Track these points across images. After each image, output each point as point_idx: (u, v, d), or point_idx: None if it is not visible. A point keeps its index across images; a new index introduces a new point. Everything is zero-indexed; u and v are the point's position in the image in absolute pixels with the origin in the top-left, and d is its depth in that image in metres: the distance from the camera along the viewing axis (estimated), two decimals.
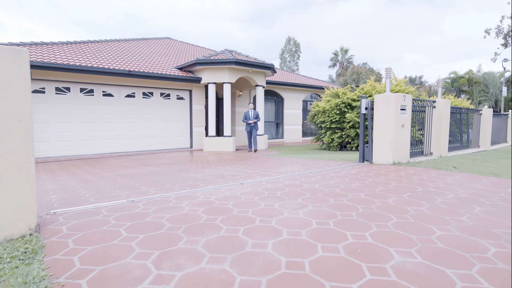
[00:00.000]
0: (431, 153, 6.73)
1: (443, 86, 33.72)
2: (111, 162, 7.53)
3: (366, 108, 5.62)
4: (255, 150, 10.10)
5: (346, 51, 41.03)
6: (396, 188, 3.37)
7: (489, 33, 27.53)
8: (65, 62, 8.93)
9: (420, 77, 41.56)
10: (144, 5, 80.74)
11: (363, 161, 5.77)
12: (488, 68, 54.43)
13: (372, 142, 5.61)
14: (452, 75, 33.25)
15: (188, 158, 8.01)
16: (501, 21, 25.98)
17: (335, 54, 41.28)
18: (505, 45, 26.83)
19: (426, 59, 67.31)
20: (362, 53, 63.93)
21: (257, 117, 10.18)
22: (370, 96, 9.95)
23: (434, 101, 6.69)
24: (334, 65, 41.88)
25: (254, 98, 13.53)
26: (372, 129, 5.61)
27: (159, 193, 3.31)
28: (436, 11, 70.36)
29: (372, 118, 5.60)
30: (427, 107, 6.58)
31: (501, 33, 26.54)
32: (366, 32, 68.70)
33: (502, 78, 29.46)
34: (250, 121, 10.03)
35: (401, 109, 5.37)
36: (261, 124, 11.81)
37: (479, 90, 30.30)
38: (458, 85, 31.70)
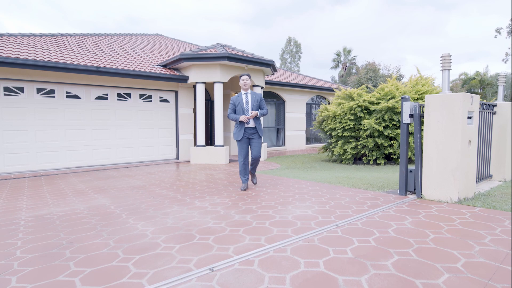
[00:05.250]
0: (490, 176, 4.92)
1: (454, 87, 31.94)
2: (64, 183, 5.72)
3: (411, 116, 3.81)
4: (254, 179, 5.13)
5: (349, 51, 39.26)
6: None
7: (500, 33, 26.05)
8: (14, 56, 7.13)
9: (425, 79, 39.75)
10: (145, 6, 79.13)
11: (406, 193, 3.95)
12: (494, 69, 52.60)
13: (421, 165, 3.79)
14: (462, 77, 31.47)
15: (164, 178, 6.19)
16: None
17: (337, 54, 39.50)
18: None
19: (429, 61, 65.52)
20: (363, 55, 62.00)
21: (260, 106, 4.84)
22: (392, 98, 8.17)
23: (494, 105, 4.88)
24: (337, 66, 40.10)
25: None
26: (420, 146, 3.80)
27: None
28: (439, 13, 68.72)
29: (421, 130, 3.79)
30: (481, 113, 4.76)
31: None
32: (366, 34, 66.95)
33: None
34: (245, 117, 4.58)
35: (468, 117, 3.57)
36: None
37: (492, 92, 28.51)
38: (470, 86, 29.91)
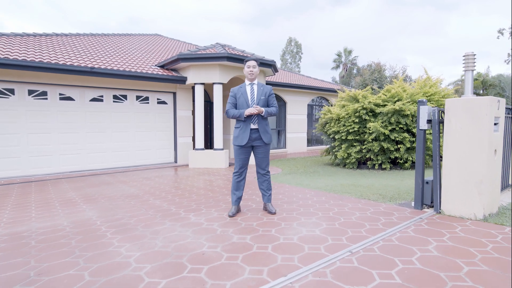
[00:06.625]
0: (509, 186, 4.55)
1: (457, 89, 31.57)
2: (54, 190, 5.38)
3: (429, 121, 3.45)
4: (269, 208, 3.67)
5: (350, 52, 38.85)
6: None
7: (502, 33, 25.67)
8: (2, 56, 6.79)
9: (431, 79, 39.26)
10: (145, 6, 78.98)
11: (422, 207, 3.59)
12: (495, 70, 52.21)
13: (439, 176, 3.43)
14: (464, 77, 31.09)
15: (160, 184, 5.84)
16: None
17: (338, 55, 39.08)
18: None
19: (429, 61, 65.09)
20: (364, 56, 61.65)
21: (269, 102, 3.65)
22: (399, 100, 7.80)
23: None
24: (338, 66, 39.67)
25: None
26: (439, 156, 3.43)
27: None
28: (439, 13, 68.39)
29: (439, 137, 3.42)
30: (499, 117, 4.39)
31: None
32: (366, 35, 66.48)
33: None
34: (252, 109, 3.43)
35: (494, 124, 3.21)
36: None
37: (495, 94, 28.10)
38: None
